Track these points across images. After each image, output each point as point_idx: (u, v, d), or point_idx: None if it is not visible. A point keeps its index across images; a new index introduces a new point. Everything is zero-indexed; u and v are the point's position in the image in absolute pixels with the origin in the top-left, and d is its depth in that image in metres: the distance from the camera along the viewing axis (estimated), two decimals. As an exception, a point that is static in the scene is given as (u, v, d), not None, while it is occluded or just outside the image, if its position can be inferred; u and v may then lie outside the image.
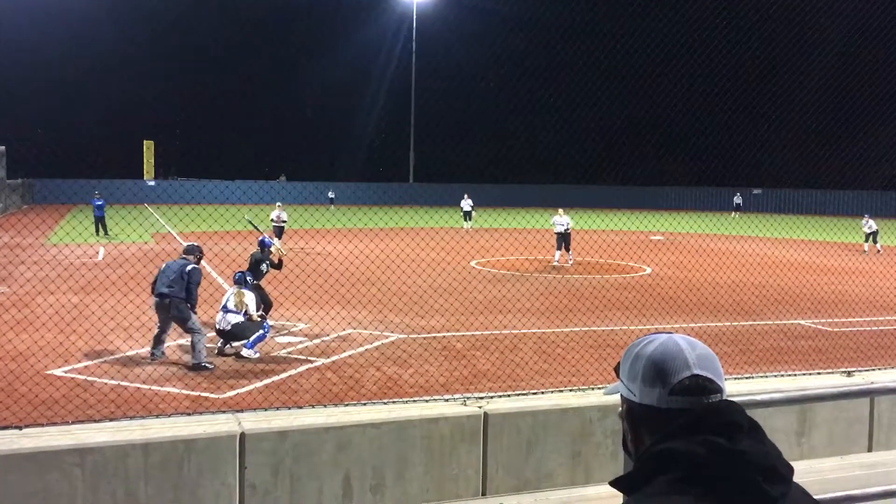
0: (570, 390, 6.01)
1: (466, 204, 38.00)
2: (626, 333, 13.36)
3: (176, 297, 10.62)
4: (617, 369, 1.71)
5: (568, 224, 22.81)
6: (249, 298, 11.52)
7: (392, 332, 12.83)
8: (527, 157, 70.61)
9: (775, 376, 6.90)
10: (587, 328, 13.70)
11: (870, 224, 28.19)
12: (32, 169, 51.05)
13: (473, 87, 70.58)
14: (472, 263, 22.77)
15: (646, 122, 69.14)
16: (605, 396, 6.43)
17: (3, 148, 42.88)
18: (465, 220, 37.54)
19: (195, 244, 11.90)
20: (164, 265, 11.26)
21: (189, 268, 10.88)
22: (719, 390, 1.58)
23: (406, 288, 16.57)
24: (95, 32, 62.22)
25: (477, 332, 13.11)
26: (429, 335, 12.82)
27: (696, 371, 1.58)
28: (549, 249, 24.72)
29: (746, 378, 7.05)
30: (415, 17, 65.97)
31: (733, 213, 52.84)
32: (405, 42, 67.93)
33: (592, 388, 6.05)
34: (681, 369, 1.58)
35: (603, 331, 13.53)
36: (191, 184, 53.41)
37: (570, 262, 22.88)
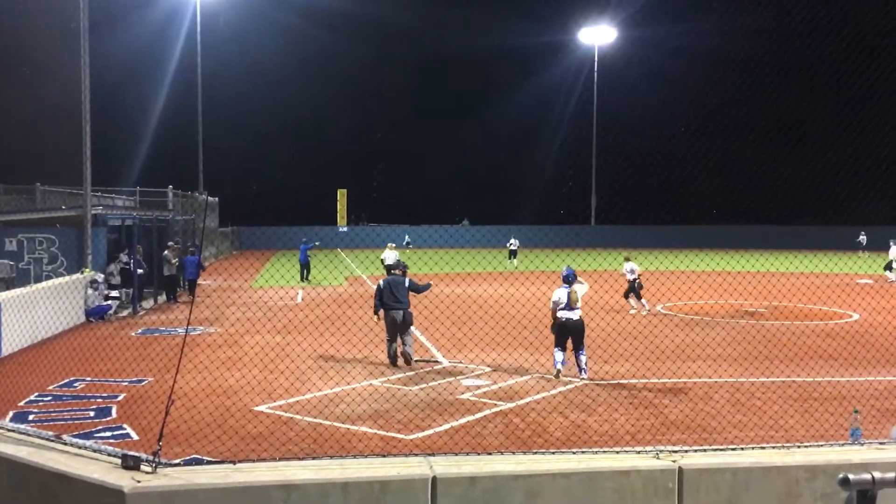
0: (773, 447, 5.61)
1: (514, 244, 40.07)
2: (832, 385, 12.35)
3: (406, 308, 14.05)
4: None
5: (636, 270, 21.58)
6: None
7: (577, 377, 12.64)
8: (707, 197, 67.79)
9: None
10: (787, 379, 12.81)
11: None
12: (241, 218, 55.67)
13: (658, 129, 69.12)
14: (659, 308, 22.04)
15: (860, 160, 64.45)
16: (811, 456, 5.96)
17: (216, 199, 47.10)
18: (511, 258, 39.53)
19: (399, 260, 15.69)
20: (382, 284, 14.46)
21: (408, 281, 14.46)
22: None
23: (591, 332, 16.30)
24: (292, 90, 67.36)
25: (666, 380, 12.63)
26: (615, 381, 12.51)
27: None
28: (742, 293, 23.45)
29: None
30: (596, 60, 65.84)
31: None
32: (585, 85, 67.87)
33: (798, 446, 5.62)
34: None
35: (806, 382, 12.59)
36: (381, 229, 56.00)
37: (646, 311, 21.41)
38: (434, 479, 4.87)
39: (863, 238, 48.38)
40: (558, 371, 12.66)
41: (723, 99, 70.20)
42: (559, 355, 12.74)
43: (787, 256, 44.34)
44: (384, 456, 5.43)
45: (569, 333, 12.77)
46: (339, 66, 70.21)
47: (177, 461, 5.29)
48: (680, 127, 67.69)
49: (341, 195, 67.86)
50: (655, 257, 38.23)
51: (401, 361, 13.92)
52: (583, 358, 12.73)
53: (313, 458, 5.53)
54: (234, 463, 5.13)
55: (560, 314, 12.78)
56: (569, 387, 12.10)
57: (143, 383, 12.46)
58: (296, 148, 68.69)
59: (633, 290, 21.56)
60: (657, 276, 25.08)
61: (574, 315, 12.76)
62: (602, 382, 12.38)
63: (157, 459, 5.08)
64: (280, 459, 5.47)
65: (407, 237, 55.30)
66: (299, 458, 5.62)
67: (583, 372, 12.67)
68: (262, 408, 10.80)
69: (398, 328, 13.97)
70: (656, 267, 35.61)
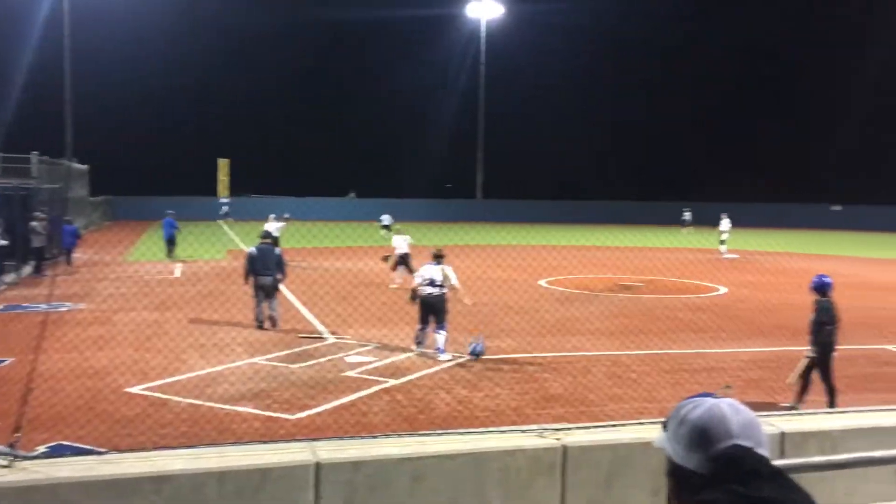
0: (651, 422, 5.78)
1: (386, 218, 40.88)
2: (702, 357, 12.97)
3: (275, 275, 15.00)
4: (666, 425, 1.77)
5: (407, 242, 20.99)
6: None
7: (462, 353, 12.73)
8: (587, 173, 70.20)
9: (870, 410, 6.53)
10: (661, 351, 13.36)
11: None
12: (113, 187, 52.92)
13: (541, 103, 70.54)
14: (542, 282, 22.54)
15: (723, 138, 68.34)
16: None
17: (86, 167, 44.59)
18: (384, 231, 40.06)
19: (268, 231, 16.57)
20: (255, 252, 15.20)
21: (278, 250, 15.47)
22: (759, 457, 1.64)
23: (476, 307, 16.47)
24: (171, 55, 64.43)
25: (548, 354, 12.91)
26: (499, 357, 12.68)
27: (737, 441, 1.64)
28: (621, 268, 24.30)
29: (839, 412, 6.70)
30: (483, 34, 66.19)
31: (683, 228, 49.01)
32: (474, 59, 68.18)
33: (673, 420, 5.81)
34: (722, 438, 1.64)
35: (678, 354, 13.17)
36: (263, 201, 54.60)
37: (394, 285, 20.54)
38: (318, 465, 4.73)
39: (687, 215, 50.73)
40: (417, 346, 12.78)
41: (605, 76, 72.52)
42: (421, 334, 12.87)
43: (666, 230, 46.33)
44: (265, 442, 5.23)
45: (429, 310, 12.78)
46: (222, 33, 67.58)
47: (37, 452, 4.93)
48: (563, 103, 69.59)
49: (223, 165, 65.67)
50: (537, 231, 39.11)
51: (268, 324, 14.75)
52: (442, 337, 12.57)
53: (188, 447, 5.27)
54: (100, 454, 4.82)
55: (423, 289, 12.81)
56: (453, 363, 12.16)
57: (2, 364, 11.62)
58: (175, 115, 65.87)
59: (406, 263, 20.60)
60: (540, 251, 25.63)
61: (436, 291, 12.75)
62: (486, 358, 12.52)
63: (13, 451, 4.69)
64: (152, 449, 5.18)
65: (287, 214, 54.29)
66: (173, 448, 5.34)
67: (441, 352, 12.47)
68: (136, 389, 10.30)
69: (266, 292, 14.87)
70: (537, 241, 36.44)
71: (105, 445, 7.25)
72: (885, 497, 5.86)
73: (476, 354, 12.13)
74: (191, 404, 9.58)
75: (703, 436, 1.66)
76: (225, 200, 60.04)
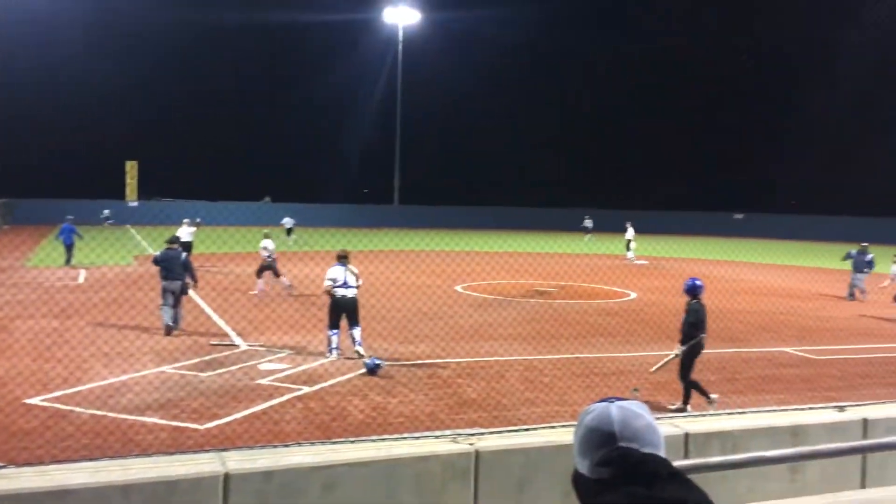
0: (563, 426, 5.90)
1: (288, 221, 41.68)
2: (612, 360, 13.29)
3: (183, 280, 14.99)
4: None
5: (270, 249, 20.35)
6: None
7: (377, 359, 12.67)
8: (499, 179, 71.21)
9: (767, 411, 6.84)
10: (573, 355, 13.63)
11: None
12: (14, 188, 50.46)
13: (459, 109, 71.13)
14: (458, 288, 22.69)
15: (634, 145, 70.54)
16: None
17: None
18: (287, 235, 40.55)
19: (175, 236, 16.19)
20: (159, 257, 15.11)
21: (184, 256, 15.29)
22: (657, 459, 1.66)
23: (392, 313, 16.44)
24: (75, 53, 62.00)
25: (462, 359, 12.99)
26: (414, 362, 12.68)
27: (622, 444, 1.65)
28: (532, 273, 24.69)
29: (740, 413, 6.98)
30: (400, 40, 66.25)
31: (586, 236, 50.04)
32: (391, 64, 68.17)
33: (584, 423, 5.94)
34: (607, 441, 1.65)
35: (589, 358, 13.46)
36: (174, 204, 53.10)
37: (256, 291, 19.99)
38: (227, 475, 4.63)
39: (588, 222, 52.04)
40: (333, 351, 12.76)
41: (521, 84, 73.68)
42: (335, 338, 12.85)
43: (543, 238, 47.29)
44: (172, 453, 5.08)
45: (342, 311, 12.86)
46: (132, 31, 65.34)
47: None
48: (480, 110, 70.39)
49: (131, 167, 63.53)
50: (454, 236, 39.40)
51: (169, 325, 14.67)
52: (357, 332, 12.90)
53: (90, 460, 5.07)
54: (-5, 469, 4.58)
55: (336, 291, 12.85)
56: (363, 371, 12.09)
57: None
58: (80, 115, 63.29)
59: (271, 268, 20.12)
60: (457, 257, 25.79)
61: (349, 293, 12.90)
62: (402, 364, 12.50)
63: None
64: (52, 462, 4.96)
65: (199, 218, 52.91)
66: (74, 461, 5.12)
67: (358, 345, 12.78)
68: (36, 400, 9.84)
69: (173, 297, 14.77)
70: (453, 247, 36.67)
71: (1, 459, 6.89)
72: (782, 494, 6.14)
73: (371, 369, 11.87)
74: (93, 415, 9.22)
75: (591, 440, 1.67)
76: (110, 211, 56.57)
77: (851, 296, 22.45)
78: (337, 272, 12.95)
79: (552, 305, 20.07)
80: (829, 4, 56.80)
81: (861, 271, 22.27)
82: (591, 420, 1.70)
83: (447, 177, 70.83)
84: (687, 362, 10.13)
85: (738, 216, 62.29)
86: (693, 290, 10.37)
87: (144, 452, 6.64)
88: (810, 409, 6.82)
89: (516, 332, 15.69)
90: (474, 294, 21.73)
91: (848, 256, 23.00)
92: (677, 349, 10.13)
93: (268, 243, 20.42)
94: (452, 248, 36.70)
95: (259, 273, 20.33)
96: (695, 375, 10.28)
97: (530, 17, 71.18)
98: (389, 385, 11.12)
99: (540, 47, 72.11)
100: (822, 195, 57.51)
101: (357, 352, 12.67)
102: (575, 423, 1.81)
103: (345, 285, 12.87)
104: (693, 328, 10.09)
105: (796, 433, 6.30)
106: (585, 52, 71.02)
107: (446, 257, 25.34)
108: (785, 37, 60.69)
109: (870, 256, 22.43)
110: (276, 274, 20.28)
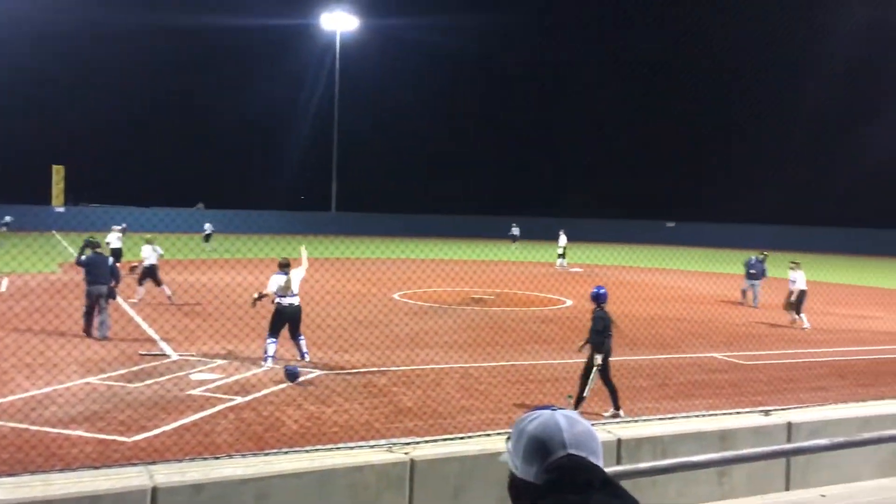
0: (498, 433, 5.92)
1: (208, 227, 42.70)
2: (547, 368, 13.42)
3: (109, 284, 14.91)
4: (509, 438, 1.80)
5: (159, 254, 20.09)
6: None
7: (313, 367, 12.53)
8: (432, 187, 71.52)
9: (696, 416, 6.99)
10: (510, 362, 13.72)
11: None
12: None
13: (396, 116, 71.13)
14: (395, 295, 22.61)
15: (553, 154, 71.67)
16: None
17: None
18: (205, 241, 41.32)
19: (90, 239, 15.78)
20: (85, 260, 14.94)
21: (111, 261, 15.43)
22: (592, 467, 1.69)
23: (327, 321, 16.27)
24: (2, 53, 59.79)
25: (399, 368, 12.94)
26: (351, 371, 12.57)
27: (571, 451, 1.68)
28: (469, 281, 24.78)
29: (670, 418, 7.12)
30: (338, 47, 65.91)
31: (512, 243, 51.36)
32: (329, 71, 67.75)
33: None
34: (556, 449, 1.68)
35: (525, 365, 13.56)
36: (103, 210, 51.67)
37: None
38: (154, 489, 4.50)
39: (516, 230, 52.83)
40: (269, 360, 12.55)
41: (455, 92, 74.08)
42: (272, 347, 12.67)
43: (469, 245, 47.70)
44: (97, 468, 4.91)
45: (287, 320, 12.75)
46: (61, 33, 63.22)
47: None
48: (418, 117, 70.51)
49: (57, 172, 61.58)
50: (390, 244, 39.34)
51: (96, 333, 14.59)
52: (302, 342, 12.91)
53: (10, 475, 4.86)
54: None
55: (281, 300, 12.74)
56: (304, 378, 11.94)
57: None
58: (6, 117, 61.04)
59: (153, 275, 19.80)
60: (393, 265, 25.74)
61: (295, 301, 12.84)
62: (338, 372, 12.38)
63: None
64: (-34, 480, 4.74)
65: (123, 224, 51.25)
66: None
67: (304, 356, 12.77)
68: (-49, 414, 9.41)
69: (98, 301, 14.69)
70: (390, 255, 36.58)
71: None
72: (711, 497, 6.29)
73: (291, 374, 11.63)
74: (14, 429, 8.86)
75: (538, 447, 1.69)
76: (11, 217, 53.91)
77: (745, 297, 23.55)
78: (281, 280, 12.79)
79: (488, 313, 20.17)
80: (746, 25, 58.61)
81: (758, 277, 23.34)
82: (537, 427, 1.72)
83: (384, 184, 70.71)
84: (588, 368, 10.36)
85: (670, 224, 63.76)
86: (597, 298, 10.63)
87: (68, 467, 6.40)
88: (737, 413, 7.01)
89: (453, 339, 15.71)
90: (411, 302, 21.69)
91: (748, 264, 24.00)
92: (598, 359, 10.27)
93: (146, 249, 19.98)
94: (389, 255, 36.62)
95: (140, 280, 20.00)
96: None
97: (466, 25, 71.78)
98: (325, 394, 11.00)
99: (472, 55, 72.85)
100: (745, 204, 59.47)
101: (303, 360, 12.64)
102: (509, 430, 1.82)
103: (291, 294, 12.73)
104: (600, 335, 10.31)
105: (724, 437, 6.46)
106: (519, 60, 72.01)
107: (383, 265, 25.27)
108: (714, 46, 62.51)
109: (765, 264, 23.62)
110: (157, 282, 19.86)
